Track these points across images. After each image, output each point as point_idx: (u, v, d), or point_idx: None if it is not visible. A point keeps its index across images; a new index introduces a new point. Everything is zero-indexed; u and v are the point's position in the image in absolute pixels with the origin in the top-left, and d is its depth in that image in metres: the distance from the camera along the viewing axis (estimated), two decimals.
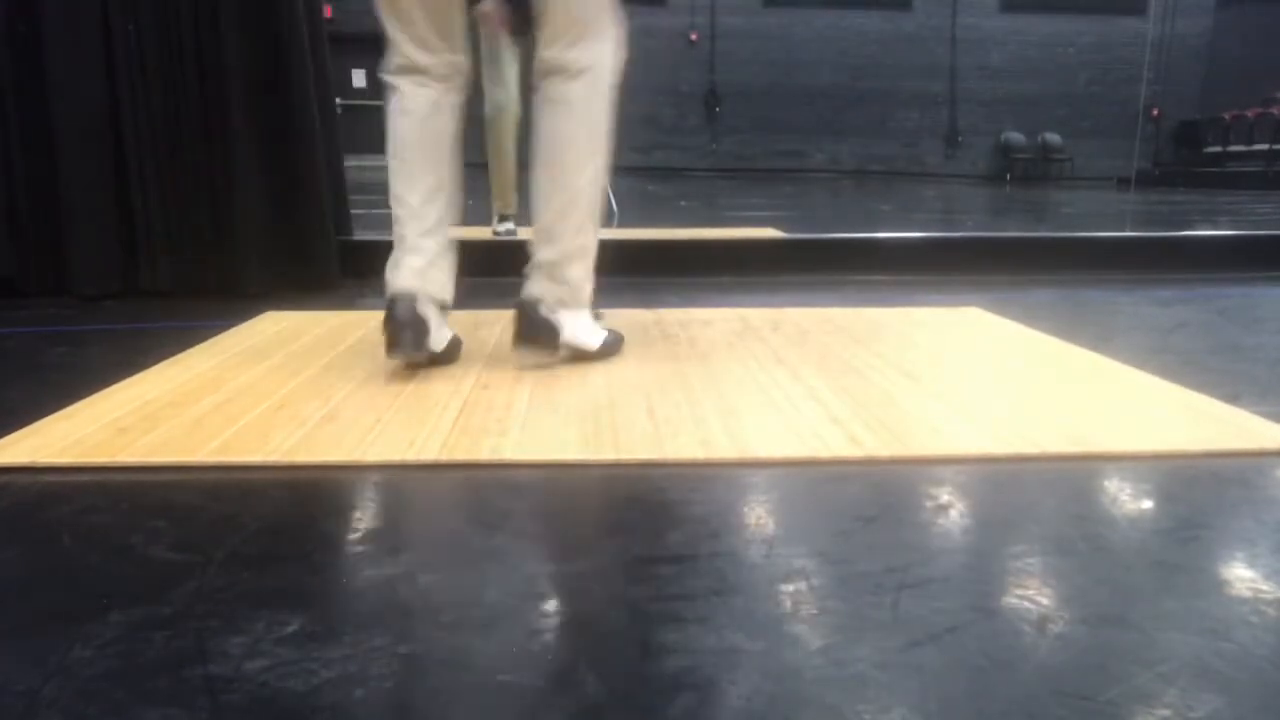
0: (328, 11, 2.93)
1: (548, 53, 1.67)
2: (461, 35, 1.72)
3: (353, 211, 3.02)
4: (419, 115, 1.69)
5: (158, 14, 2.47)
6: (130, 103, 2.48)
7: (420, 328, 1.61)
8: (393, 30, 1.67)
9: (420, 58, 1.67)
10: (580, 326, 1.74)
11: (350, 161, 3.32)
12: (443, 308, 1.72)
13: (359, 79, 14.12)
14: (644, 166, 13.20)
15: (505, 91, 3.69)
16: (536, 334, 1.67)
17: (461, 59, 1.73)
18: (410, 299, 1.62)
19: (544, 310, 1.67)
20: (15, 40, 2.42)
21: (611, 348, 1.80)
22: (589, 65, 1.67)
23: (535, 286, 1.70)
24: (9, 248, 2.49)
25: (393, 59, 1.70)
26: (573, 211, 1.70)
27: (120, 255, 2.54)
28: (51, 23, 2.40)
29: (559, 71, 1.67)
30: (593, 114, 1.69)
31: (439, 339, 1.69)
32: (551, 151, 1.69)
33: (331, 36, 2.89)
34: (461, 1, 1.69)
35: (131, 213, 2.53)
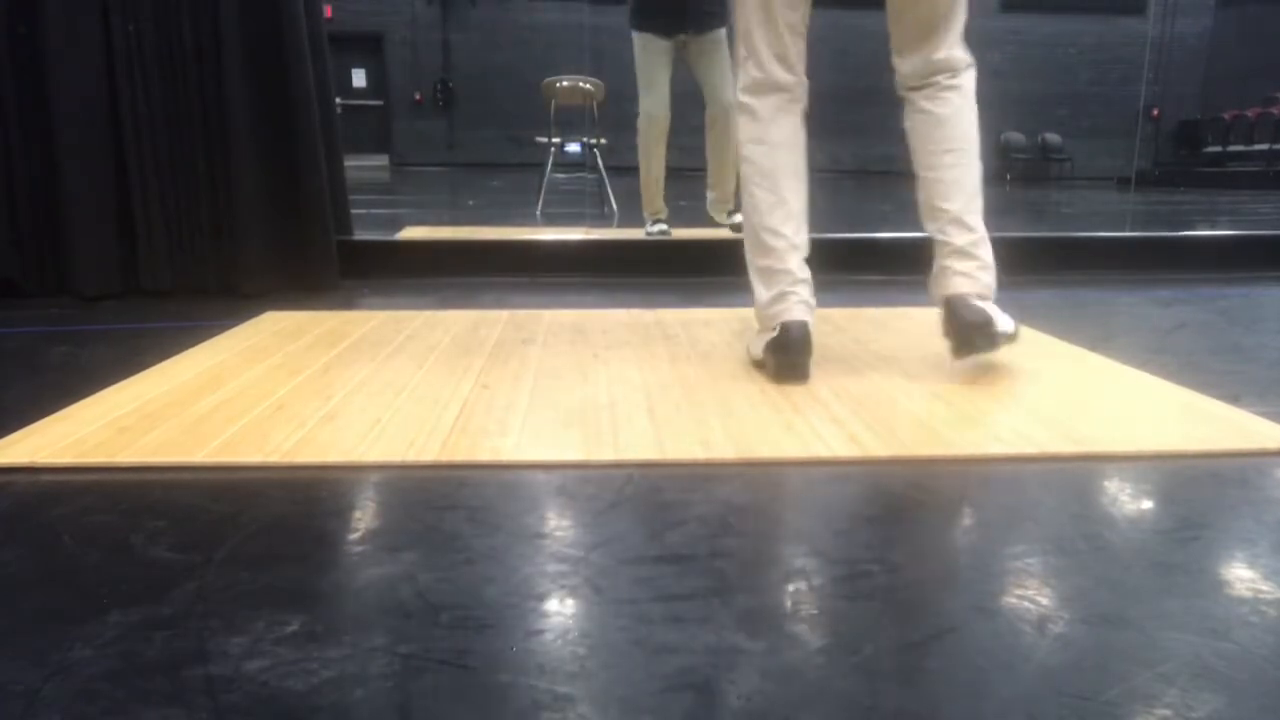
0: (328, 11, 2.93)
1: (937, 55, 1.67)
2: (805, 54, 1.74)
3: (353, 211, 3.02)
4: (785, 144, 1.70)
5: (157, 14, 2.47)
6: (130, 103, 2.48)
7: (809, 351, 1.65)
8: (760, 46, 1.68)
9: (784, 76, 1.69)
10: (998, 313, 1.67)
11: (350, 161, 3.32)
12: None
13: (359, 79, 14.14)
14: None
15: (658, 100, 3.76)
16: (979, 331, 1.61)
17: (806, 80, 1.74)
18: (804, 328, 1.65)
19: (977, 301, 1.63)
20: (15, 40, 2.42)
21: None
22: (971, 59, 1.70)
23: (962, 281, 1.65)
24: (9, 248, 2.49)
25: (751, 76, 1.70)
26: (977, 196, 1.69)
27: (120, 255, 2.53)
28: (51, 23, 2.39)
29: (949, 69, 1.68)
30: (975, 106, 1.71)
31: None
32: (955, 139, 1.68)
33: (331, 36, 2.89)
34: (808, 21, 1.71)
35: (131, 213, 2.52)
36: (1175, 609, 0.84)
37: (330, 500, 1.11)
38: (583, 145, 5.77)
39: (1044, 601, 0.85)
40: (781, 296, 1.67)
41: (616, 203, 5.45)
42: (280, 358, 1.79)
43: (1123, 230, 4.79)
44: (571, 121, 5.89)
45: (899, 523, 1.04)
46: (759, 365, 1.72)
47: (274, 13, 2.53)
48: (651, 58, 3.72)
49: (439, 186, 9.19)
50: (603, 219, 5.04)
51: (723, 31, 3.71)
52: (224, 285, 2.59)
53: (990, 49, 14.19)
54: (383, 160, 13.92)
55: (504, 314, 2.28)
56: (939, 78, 1.68)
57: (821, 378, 1.65)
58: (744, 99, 1.72)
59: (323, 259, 2.70)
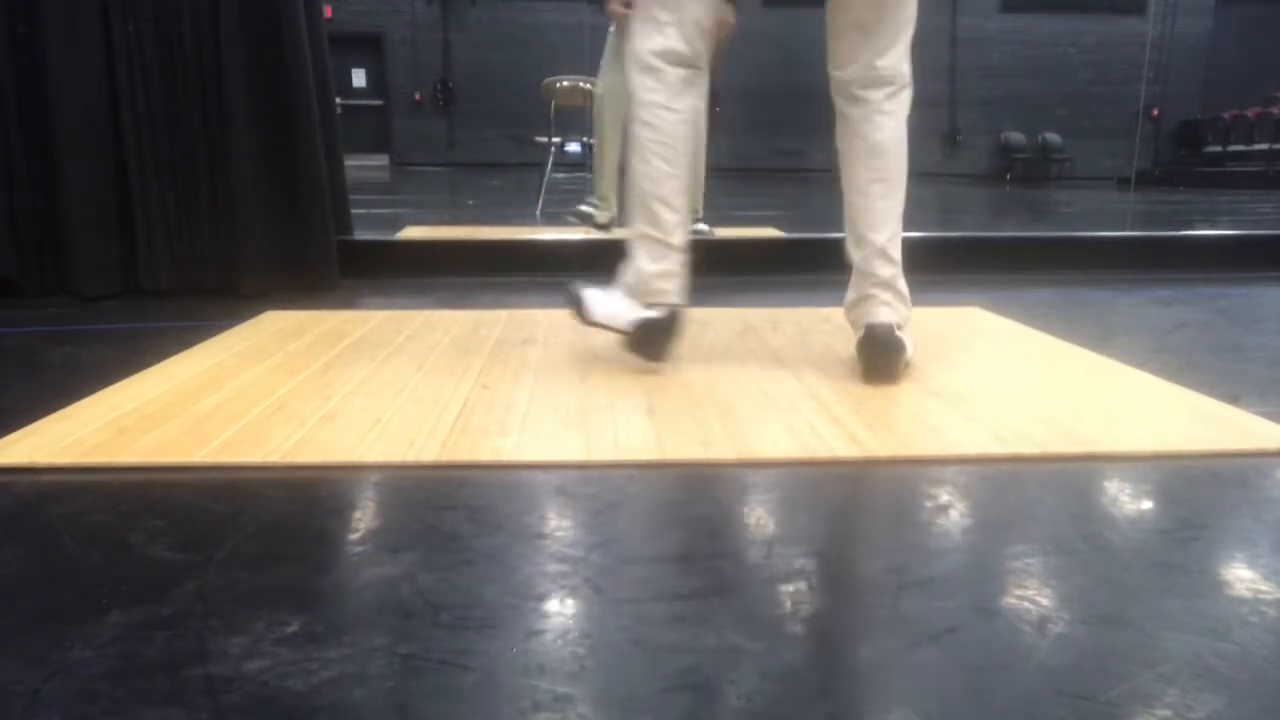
0: (328, 11, 2.94)
1: (882, 61, 1.62)
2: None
3: (353, 211, 3.02)
4: (685, 116, 1.65)
5: (158, 14, 2.46)
6: (130, 103, 2.48)
7: (681, 338, 1.69)
8: (666, 15, 1.61)
9: (691, 48, 1.64)
10: (909, 343, 1.67)
11: (350, 161, 3.32)
12: None
13: (359, 79, 14.13)
14: None
15: (606, 82, 3.82)
16: (893, 359, 1.61)
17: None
18: (681, 310, 1.67)
19: (899, 333, 1.63)
20: (15, 40, 2.41)
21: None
22: (910, 79, 1.67)
23: (886, 310, 1.64)
24: (9, 248, 2.48)
25: (656, 42, 1.63)
26: (900, 228, 1.68)
27: (120, 255, 2.53)
28: (51, 23, 2.39)
29: (890, 83, 1.64)
30: (906, 132, 1.68)
31: None
32: (887, 169, 1.65)
33: (331, 36, 2.89)
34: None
35: (131, 213, 2.52)
36: (1175, 609, 0.84)
37: (330, 500, 1.11)
38: (583, 145, 5.77)
39: (1044, 601, 0.85)
40: (668, 275, 1.67)
41: (617, 203, 5.44)
42: (280, 358, 1.78)
43: (1123, 230, 4.79)
44: (571, 121, 5.88)
45: (899, 523, 1.04)
46: (607, 328, 1.71)
47: (274, 13, 2.53)
48: (615, 47, 3.78)
49: (439, 186, 9.19)
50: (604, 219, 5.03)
51: None
52: (224, 285, 2.59)
53: (990, 49, 14.21)
54: (383, 160, 13.91)
55: (504, 314, 2.28)
56: (877, 94, 1.64)
57: (821, 378, 1.65)
58: (655, 62, 1.63)
59: (323, 259, 2.70)
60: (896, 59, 1.64)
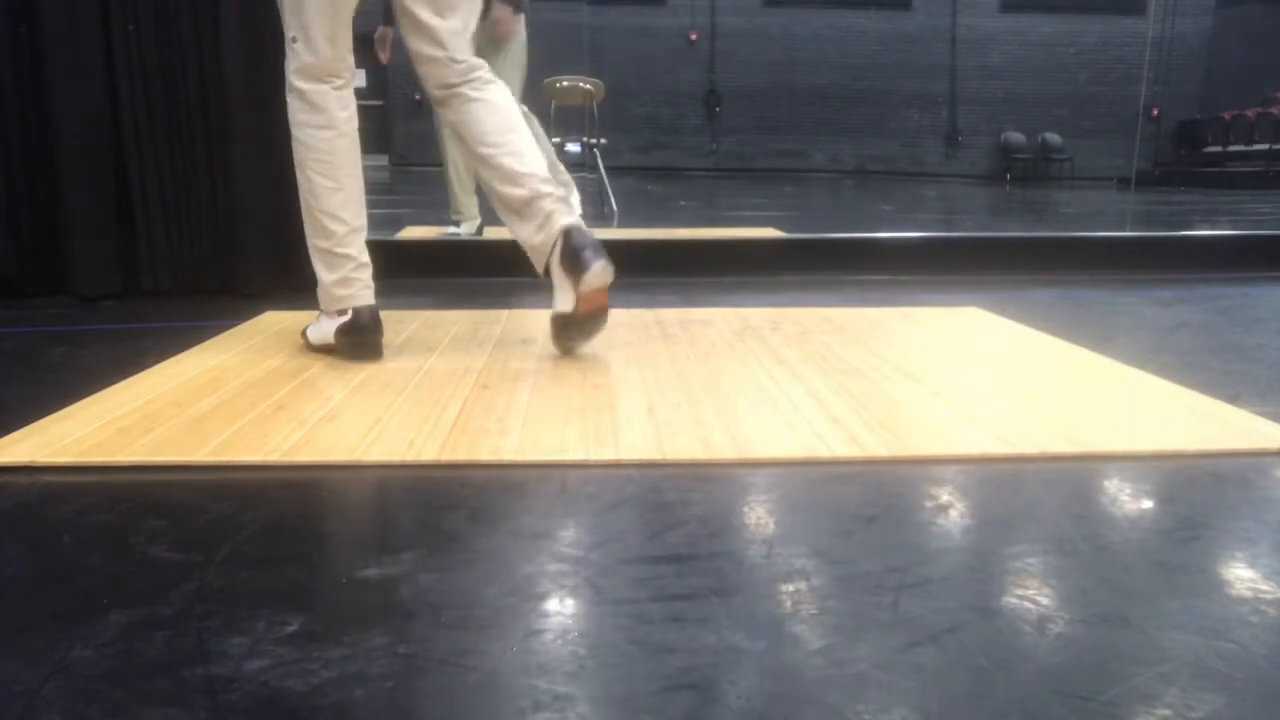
0: None
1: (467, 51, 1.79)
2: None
3: None
4: (344, 130, 1.75)
5: (158, 14, 2.47)
6: (130, 103, 2.48)
7: (381, 330, 1.79)
8: (312, 26, 1.69)
9: (322, 59, 1.71)
10: None
11: None
12: None
13: (359, 79, 14.09)
14: (644, 166, 13.19)
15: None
16: (599, 248, 1.71)
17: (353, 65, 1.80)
18: (373, 311, 1.77)
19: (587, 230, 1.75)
20: (15, 40, 2.42)
21: None
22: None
23: (572, 217, 1.75)
24: (9, 248, 2.48)
25: (303, 60, 1.71)
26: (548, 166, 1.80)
27: (120, 255, 2.53)
28: (51, 23, 2.40)
29: (482, 65, 1.81)
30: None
31: None
32: (515, 119, 1.78)
33: None
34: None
35: (131, 213, 2.52)
36: (1175, 609, 0.84)
37: (330, 500, 1.11)
38: (582, 145, 5.77)
39: (1044, 601, 0.85)
40: (346, 281, 1.76)
41: (616, 203, 5.45)
42: (280, 358, 1.78)
43: (1123, 230, 4.79)
44: (571, 121, 5.89)
45: (899, 523, 1.04)
46: (326, 349, 1.80)
47: (274, 13, 2.52)
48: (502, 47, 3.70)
49: (439, 186, 9.18)
50: (603, 219, 5.04)
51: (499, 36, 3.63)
52: (224, 285, 2.59)
53: (990, 49, 14.21)
54: (383, 160, 13.90)
55: (504, 314, 2.28)
56: (479, 74, 1.78)
57: (821, 378, 1.65)
58: (297, 83, 1.73)
59: None
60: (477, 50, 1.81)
